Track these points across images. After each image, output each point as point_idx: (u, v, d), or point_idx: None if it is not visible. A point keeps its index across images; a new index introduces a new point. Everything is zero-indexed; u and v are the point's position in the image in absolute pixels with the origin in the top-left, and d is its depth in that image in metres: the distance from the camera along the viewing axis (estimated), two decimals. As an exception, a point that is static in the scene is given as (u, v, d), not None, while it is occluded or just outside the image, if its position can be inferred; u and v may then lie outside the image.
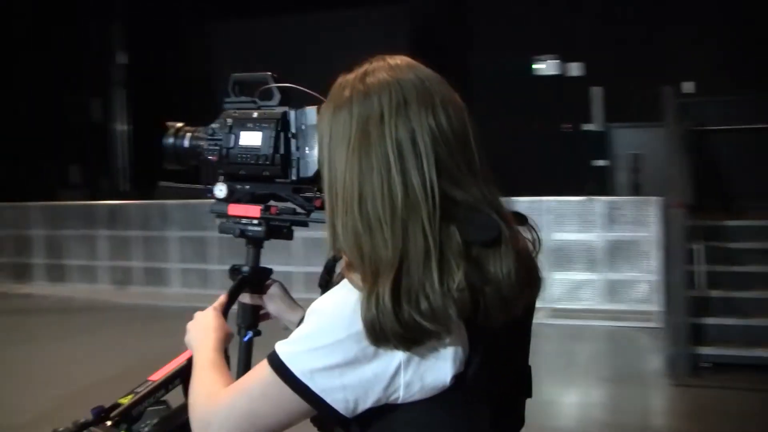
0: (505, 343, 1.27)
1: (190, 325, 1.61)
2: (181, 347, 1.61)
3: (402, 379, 1.18)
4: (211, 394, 1.31)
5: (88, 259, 12.11)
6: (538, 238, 1.34)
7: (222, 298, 1.72)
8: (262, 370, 1.24)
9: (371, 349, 1.17)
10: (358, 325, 1.16)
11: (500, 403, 1.29)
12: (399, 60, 1.27)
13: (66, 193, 14.52)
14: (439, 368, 1.19)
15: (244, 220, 1.88)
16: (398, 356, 1.17)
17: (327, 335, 1.19)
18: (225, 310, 1.63)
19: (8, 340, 8.79)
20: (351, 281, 1.21)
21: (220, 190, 1.89)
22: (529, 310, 1.35)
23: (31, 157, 17.06)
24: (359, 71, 1.27)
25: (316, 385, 1.19)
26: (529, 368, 1.40)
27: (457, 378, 1.20)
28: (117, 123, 17.80)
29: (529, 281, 1.27)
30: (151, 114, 17.41)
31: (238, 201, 1.88)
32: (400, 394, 1.19)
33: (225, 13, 16.57)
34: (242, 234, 1.89)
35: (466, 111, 1.27)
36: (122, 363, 7.51)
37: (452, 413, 1.23)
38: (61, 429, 1.52)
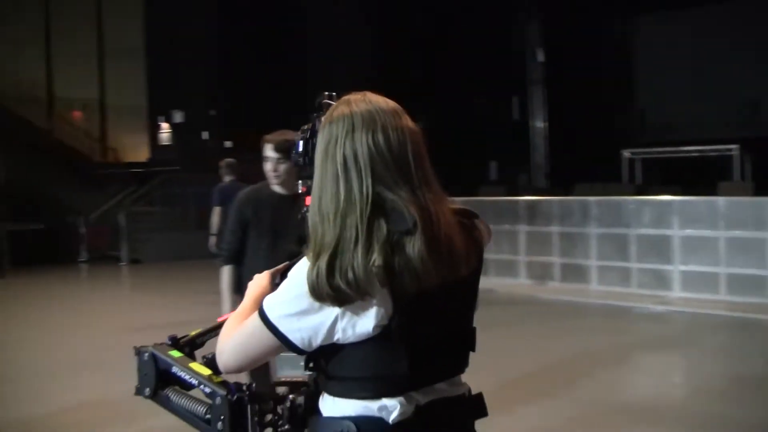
0: (436, 304, 1.70)
1: (250, 283, 2.03)
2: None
3: (339, 326, 1.64)
4: (229, 331, 1.81)
5: (509, 253, 12.39)
6: (487, 228, 1.91)
7: (282, 266, 2.06)
8: (254, 316, 1.73)
9: (317, 304, 1.63)
10: (307, 287, 1.63)
11: (423, 350, 1.69)
12: (361, 96, 1.74)
13: (485, 188, 15.00)
14: (364, 321, 1.63)
15: None
16: (335, 311, 1.63)
17: (289, 293, 1.69)
18: (277, 274, 2.02)
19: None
20: (307, 257, 1.69)
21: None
22: (465, 281, 1.77)
23: (453, 154, 17.98)
24: (336, 104, 1.77)
25: (282, 327, 1.68)
26: (471, 326, 1.83)
27: (382, 328, 1.63)
28: (535, 120, 18.04)
29: (449, 260, 1.68)
30: (567, 112, 17.48)
31: None
32: (339, 337, 1.66)
33: (646, 9, 16.01)
34: None
35: (412, 133, 1.72)
36: (540, 360, 7.53)
37: (376, 353, 1.67)
38: (138, 345, 1.98)
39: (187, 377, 1.87)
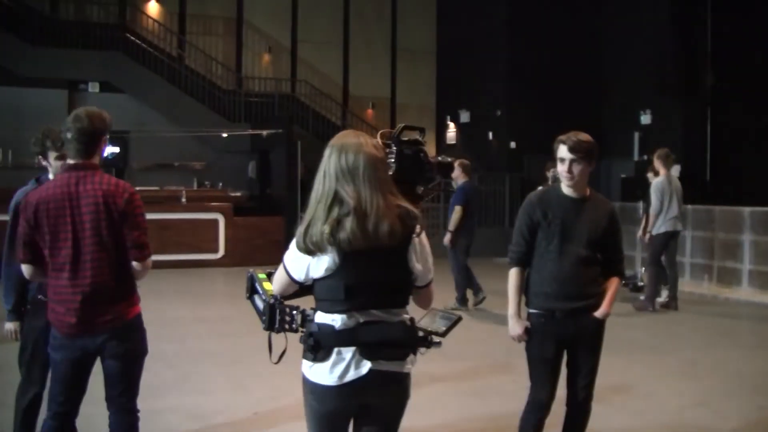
0: (364, 260, 2.91)
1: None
2: None
3: (311, 268, 2.95)
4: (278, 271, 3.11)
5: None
6: (416, 212, 3.00)
7: None
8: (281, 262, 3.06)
9: (300, 254, 2.95)
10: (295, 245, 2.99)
11: (355, 286, 2.92)
12: (348, 132, 3.10)
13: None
14: (322, 266, 2.92)
15: None
16: (309, 258, 2.94)
17: (291, 249, 3.00)
18: None
19: (715, 343, 8.87)
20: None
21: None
22: (390, 248, 2.91)
23: (746, 160, 16.64)
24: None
25: (287, 266, 3.02)
26: (399, 278, 3.01)
27: (332, 271, 2.92)
28: None
29: (374, 233, 2.87)
30: None
31: None
32: (312, 275, 2.97)
33: None
34: None
35: (366, 156, 2.93)
36: None
37: (329, 285, 2.94)
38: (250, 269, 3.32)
39: (260, 290, 3.17)
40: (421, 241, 2.99)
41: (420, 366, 3.15)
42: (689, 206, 13.43)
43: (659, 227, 10.34)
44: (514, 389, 5.58)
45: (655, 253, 10.56)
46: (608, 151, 14.34)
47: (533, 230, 4.20)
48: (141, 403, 4.08)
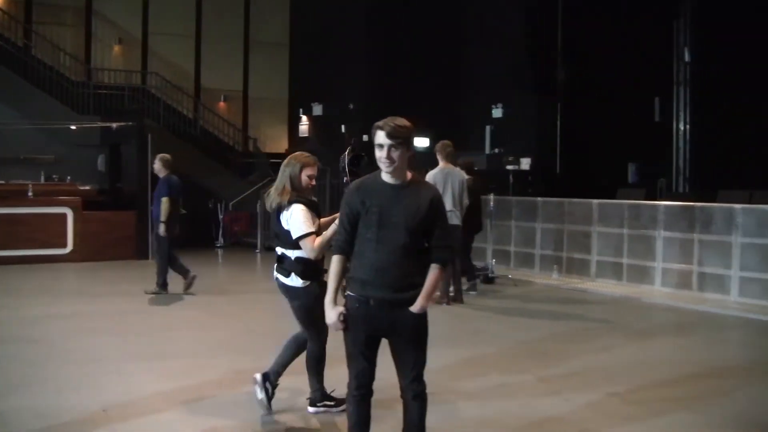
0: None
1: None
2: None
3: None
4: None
5: (645, 259, 12.10)
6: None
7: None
8: None
9: None
10: None
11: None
12: (297, 153, 5.81)
13: (624, 191, 14.64)
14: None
15: None
16: None
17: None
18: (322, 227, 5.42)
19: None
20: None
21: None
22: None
23: (593, 155, 17.62)
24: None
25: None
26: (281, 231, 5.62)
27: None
28: (678, 122, 17.46)
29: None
30: (712, 114, 16.80)
31: None
32: None
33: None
34: None
35: (303, 164, 5.63)
36: (677, 371, 7.27)
37: None
38: None
39: None
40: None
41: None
42: (539, 198, 14.23)
43: None
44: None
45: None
46: (463, 144, 14.94)
47: (353, 219, 4.14)
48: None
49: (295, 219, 5.38)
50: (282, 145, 24.04)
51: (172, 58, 22.52)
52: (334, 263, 4.21)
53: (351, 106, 20.61)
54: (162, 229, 10.82)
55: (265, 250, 17.56)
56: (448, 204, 9.80)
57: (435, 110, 17.97)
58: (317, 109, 22.30)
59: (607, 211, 12.82)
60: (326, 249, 5.15)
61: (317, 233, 5.35)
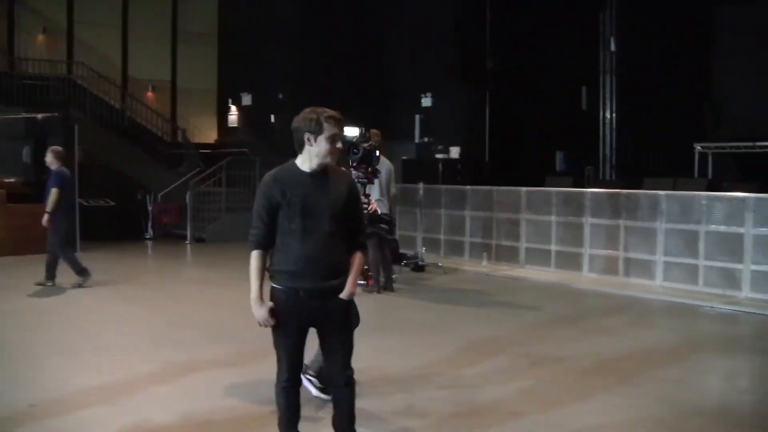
0: None
1: None
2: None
3: None
4: None
5: (574, 246, 12.32)
6: None
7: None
8: None
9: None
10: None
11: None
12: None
13: (552, 179, 14.84)
14: None
15: None
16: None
17: None
18: None
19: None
20: None
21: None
22: None
23: (520, 143, 17.83)
24: None
25: None
26: None
27: None
28: (605, 111, 17.77)
29: None
30: (638, 103, 17.16)
31: None
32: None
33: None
34: None
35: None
36: (601, 355, 7.40)
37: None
38: None
39: None
40: None
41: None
42: (468, 187, 14.34)
43: None
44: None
45: None
46: (392, 133, 14.99)
47: (272, 211, 4.10)
48: None
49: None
50: (211, 135, 23.80)
51: (99, 48, 22.06)
52: (255, 259, 4.15)
53: (280, 96, 20.51)
54: (45, 219, 10.73)
55: (195, 241, 17.40)
56: (375, 193, 9.91)
57: (364, 99, 17.98)
58: (246, 99, 22.14)
59: (535, 199, 13.02)
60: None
61: None
